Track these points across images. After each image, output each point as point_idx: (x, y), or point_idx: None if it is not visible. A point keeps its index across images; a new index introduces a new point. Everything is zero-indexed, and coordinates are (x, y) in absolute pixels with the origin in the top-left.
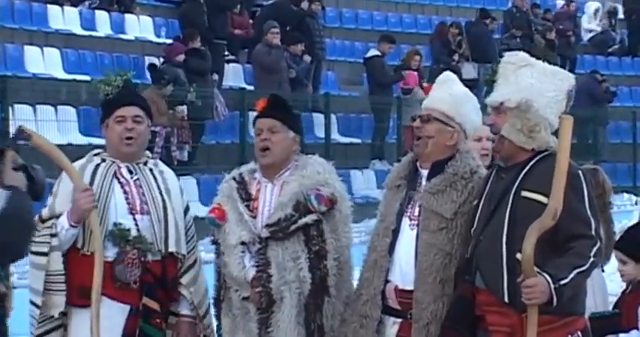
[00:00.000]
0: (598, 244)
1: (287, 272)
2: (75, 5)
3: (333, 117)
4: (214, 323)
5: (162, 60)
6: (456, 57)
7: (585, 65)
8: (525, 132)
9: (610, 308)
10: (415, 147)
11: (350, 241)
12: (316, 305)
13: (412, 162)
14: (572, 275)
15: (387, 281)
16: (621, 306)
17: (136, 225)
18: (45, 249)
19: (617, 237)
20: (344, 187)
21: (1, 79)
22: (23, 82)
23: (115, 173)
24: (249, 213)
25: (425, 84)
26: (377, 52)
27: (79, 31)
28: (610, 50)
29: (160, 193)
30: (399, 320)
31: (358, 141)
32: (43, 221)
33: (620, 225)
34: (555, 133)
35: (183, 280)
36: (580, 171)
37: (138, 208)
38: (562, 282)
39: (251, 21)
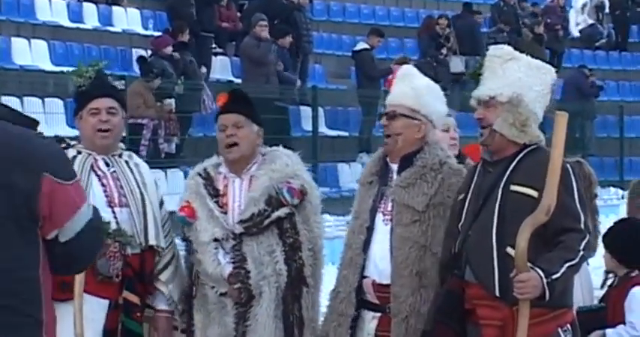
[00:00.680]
0: (587, 237)
1: (264, 266)
2: None
3: (320, 110)
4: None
5: (150, 52)
6: (443, 50)
7: (572, 59)
8: (518, 127)
9: (595, 301)
10: (385, 145)
11: (321, 230)
12: (294, 297)
13: (382, 158)
14: (563, 270)
15: (364, 277)
16: (607, 300)
17: (115, 218)
18: None
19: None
20: (311, 177)
21: None
22: (10, 73)
23: (92, 165)
24: (218, 209)
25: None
26: (366, 46)
27: (67, 23)
28: (597, 44)
29: (138, 186)
30: (378, 314)
31: (345, 134)
32: None
33: (607, 220)
34: (541, 127)
35: (162, 277)
36: (569, 165)
37: (116, 201)
38: (554, 277)
39: (239, 14)
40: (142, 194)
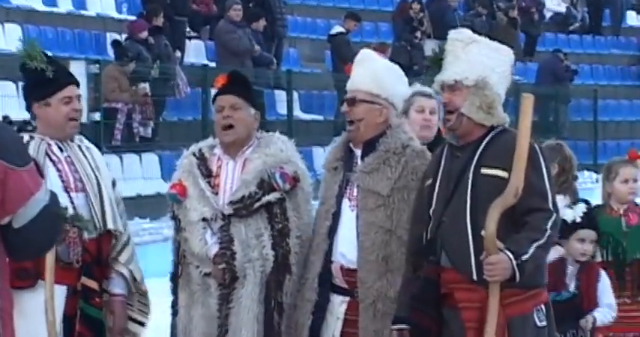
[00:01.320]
0: (554, 217)
1: (251, 249)
2: None
3: (295, 94)
4: (170, 298)
5: (124, 36)
6: (418, 34)
7: (546, 43)
8: (485, 109)
9: None
10: (348, 131)
11: (312, 219)
12: (277, 283)
13: (346, 143)
14: (532, 250)
15: (331, 262)
16: (579, 286)
17: (72, 203)
18: None
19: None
20: (305, 165)
21: None
22: None
23: (45, 151)
24: (210, 189)
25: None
26: (342, 29)
27: (40, 7)
28: (571, 28)
29: (92, 170)
30: (347, 298)
31: (320, 118)
32: None
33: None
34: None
35: (122, 258)
36: (537, 145)
37: (72, 186)
38: (523, 258)
39: None
40: (97, 178)
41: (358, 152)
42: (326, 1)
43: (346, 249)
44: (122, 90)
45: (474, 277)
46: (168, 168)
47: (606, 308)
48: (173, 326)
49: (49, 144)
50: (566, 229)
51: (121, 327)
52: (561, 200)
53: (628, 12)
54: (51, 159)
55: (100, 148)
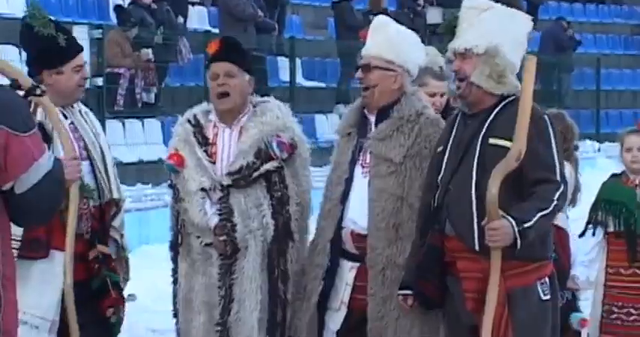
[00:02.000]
0: (562, 188)
1: (251, 220)
2: None
3: (297, 61)
4: (171, 266)
5: (127, 1)
6: (420, 1)
7: (550, 11)
8: (495, 78)
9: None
10: (363, 97)
11: (310, 184)
12: (280, 251)
13: (360, 109)
14: (535, 218)
15: (342, 228)
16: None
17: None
18: None
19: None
20: (304, 131)
21: None
22: None
23: None
24: (207, 158)
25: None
26: None
27: None
28: None
29: (95, 136)
30: (357, 264)
31: (323, 85)
32: None
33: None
34: (519, 76)
35: (115, 223)
36: (547, 117)
37: (78, 154)
38: (526, 225)
39: None
40: (100, 145)
41: (372, 118)
42: None
43: (357, 215)
44: (125, 56)
45: (476, 247)
46: (170, 134)
47: (580, 266)
48: (174, 295)
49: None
50: None
51: None
52: None
53: None
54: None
55: (102, 113)
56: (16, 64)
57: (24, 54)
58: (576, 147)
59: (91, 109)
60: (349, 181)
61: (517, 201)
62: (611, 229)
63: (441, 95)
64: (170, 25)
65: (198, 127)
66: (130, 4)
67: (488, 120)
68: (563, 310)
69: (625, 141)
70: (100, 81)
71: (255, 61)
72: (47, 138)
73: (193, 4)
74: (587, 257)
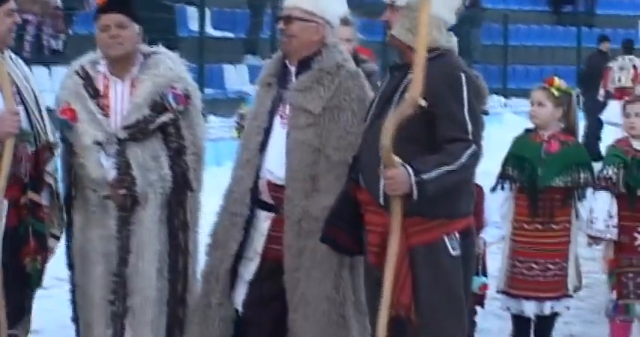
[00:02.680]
0: (472, 147)
1: (150, 172)
2: None
3: (207, 10)
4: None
5: None
6: None
7: None
8: (414, 32)
9: None
10: (282, 45)
11: (204, 133)
12: (179, 202)
13: (281, 60)
14: (437, 171)
15: (259, 178)
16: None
17: None
18: None
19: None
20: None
21: None
22: None
23: None
24: (100, 111)
25: None
26: None
27: None
28: None
29: (27, 81)
30: (272, 214)
31: (232, 35)
32: None
33: (492, 128)
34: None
35: (49, 168)
36: (462, 74)
37: (18, 109)
38: (424, 176)
39: None
40: (32, 90)
41: (293, 69)
42: None
43: (274, 165)
44: (33, 1)
45: (381, 201)
46: None
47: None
48: (68, 247)
49: None
50: None
51: None
52: None
53: None
54: None
55: None
56: None
57: None
58: (486, 113)
59: None
60: (268, 131)
61: None
62: (517, 184)
63: (347, 40)
64: None
65: (87, 79)
66: None
67: (409, 75)
68: None
69: (531, 97)
70: None
71: (164, 10)
72: None
73: None
74: (501, 214)
